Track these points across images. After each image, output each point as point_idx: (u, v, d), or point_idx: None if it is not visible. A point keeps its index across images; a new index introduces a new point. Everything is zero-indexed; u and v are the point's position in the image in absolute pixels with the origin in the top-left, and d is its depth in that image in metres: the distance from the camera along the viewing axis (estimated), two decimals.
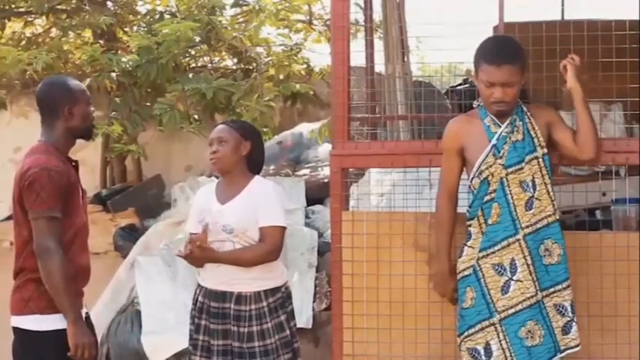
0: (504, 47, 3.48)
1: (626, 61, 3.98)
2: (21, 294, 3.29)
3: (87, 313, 3.48)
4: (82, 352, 3.19)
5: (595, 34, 4.03)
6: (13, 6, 7.87)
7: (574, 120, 3.60)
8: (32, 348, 3.26)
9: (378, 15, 6.26)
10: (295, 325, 3.85)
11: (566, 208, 5.24)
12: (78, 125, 3.40)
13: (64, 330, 3.22)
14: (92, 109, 3.48)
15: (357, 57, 5.67)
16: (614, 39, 4.06)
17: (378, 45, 6.32)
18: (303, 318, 5.16)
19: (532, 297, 3.44)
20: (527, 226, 3.45)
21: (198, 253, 3.63)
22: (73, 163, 3.42)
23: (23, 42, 8.06)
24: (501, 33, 3.94)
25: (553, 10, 7.74)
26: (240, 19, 7.53)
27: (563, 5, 7.68)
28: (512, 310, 3.44)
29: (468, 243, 3.55)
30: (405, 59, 5.94)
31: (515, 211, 3.45)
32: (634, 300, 3.73)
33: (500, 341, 3.45)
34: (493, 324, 3.46)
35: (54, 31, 8.07)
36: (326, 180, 6.04)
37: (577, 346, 3.50)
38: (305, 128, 7.52)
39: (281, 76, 7.00)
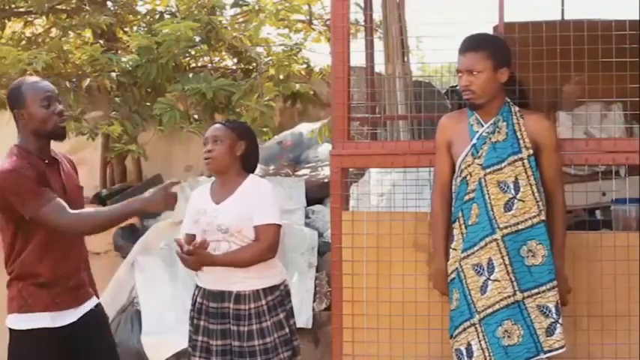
0: (472, 37, 3.53)
1: (626, 61, 3.98)
2: (9, 293, 3.34)
3: (99, 303, 3.53)
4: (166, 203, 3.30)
5: (595, 34, 4.03)
6: (13, 6, 7.84)
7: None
8: (14, 346, 3.30)
9: (378, 15, 6.26)
10: (294, 323, 3.85)
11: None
12: (38, 128, 3.29)
13: (38, 330, 3.25)
14: (57, 108, 3.32)
15: (357, 57, 5.69)
16: (614, 39, 4.06)
17: (378, 45, 6.32)
18: (303, 318, 5.16)
19: (509, 297, 3.43)
20: (506, 227, 3.43)
21: (195, 258, 3.63)
22: (46, 161, 3.33)
23: (23, 42, 8.02)
24: (501, 33, 3.95)
25: (553, 10, 7.72)
26: (240, 19, 7.52)
27: (563, 5, 7.66)
28: (490, 310, 3.44)
29: (452, 245, 3.56)
30: (405, 59, 5.93)
31: (492, 210, 3.44)
32: (634, 300, 3.73)
33: (479, 341, 3.45)
34: (474, 324, 3.47)
35: (54, 31, 8.03)
36: (326, 180, 6.03)
37: (561, 347, 3.48)
38: (305, 128, 7.51)
39: (281, 76, 6.97)
